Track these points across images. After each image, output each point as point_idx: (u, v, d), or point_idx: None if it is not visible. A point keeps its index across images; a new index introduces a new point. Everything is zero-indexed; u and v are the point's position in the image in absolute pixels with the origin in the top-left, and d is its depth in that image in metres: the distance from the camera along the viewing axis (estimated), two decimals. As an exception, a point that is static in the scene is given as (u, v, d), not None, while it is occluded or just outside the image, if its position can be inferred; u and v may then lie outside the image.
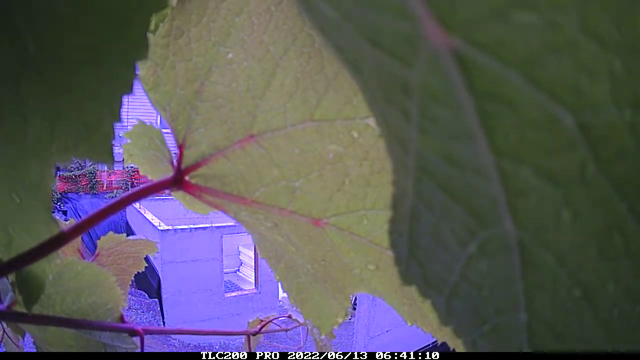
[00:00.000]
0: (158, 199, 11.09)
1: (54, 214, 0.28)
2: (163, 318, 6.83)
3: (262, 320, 0.60)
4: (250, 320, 0.63)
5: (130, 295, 7.31)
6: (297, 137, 0.31)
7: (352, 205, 0.31)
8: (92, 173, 13.55)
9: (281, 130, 0.32)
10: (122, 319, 0.41)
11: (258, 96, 0.32)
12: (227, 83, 0.33)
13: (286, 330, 0.61)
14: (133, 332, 0.41)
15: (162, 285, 6.98)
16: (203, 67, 0.34)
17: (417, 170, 0.14)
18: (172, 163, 0.35)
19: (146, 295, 7.79)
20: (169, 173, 0.35)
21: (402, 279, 0.16)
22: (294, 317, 0.59)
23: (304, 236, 0.33)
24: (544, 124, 0.10)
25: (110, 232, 0.57)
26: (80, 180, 13.27)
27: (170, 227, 6.74)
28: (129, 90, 0.21)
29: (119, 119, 0.21)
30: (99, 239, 0.58)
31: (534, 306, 0.14)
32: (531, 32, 0.09)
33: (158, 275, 7.17)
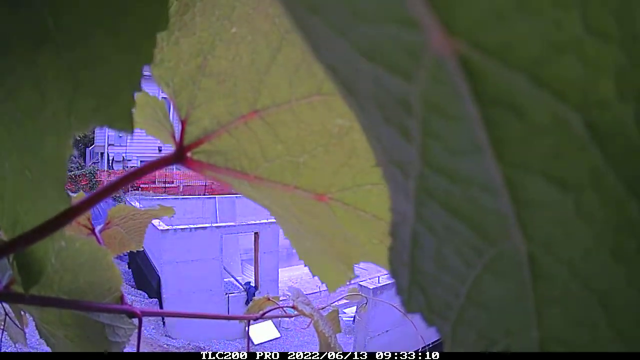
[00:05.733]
0: (157, 198, 11.10)
1: (66, 191, 0.27)
2: (163, 317, 6.83)
3: (268, 299, 0.60)
4: (256, 298, 0.62)
5: (130, 296, 7.33)
6: (303, 111, 0.31)
7: (358, 179, 0.31)
8: (92, 173, 13.61)
9: (286, 105, 0.31)
10: (121, 298, 0.41)
11: (263, 71, 0.32)
12: (231, 57, 0.33)
13: (290, 317, 0.61)
14: (131, 314, 0.41)
15: (162, 285, 6.98)
16: (207, 42, 0.33)
17: (419, 193, 0.13)
18: (174, 137, 0.35)
19: (146, 295, 7.79)
20: (170, 146, 0.34)
21: (405, 308, 0.16)
22: (299, 307, 0.59)
23: (307, 211, 0.32)
24: (552, 127, 0.10)
25: (121, 204, 0.57)
26: (80, 180, 13.32)
27: (170, 227, 6.74)
28: (150, 60, 0.21)
29: (139, 88, 0.22)
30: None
31: (546, 321, 0.13)
32: (536, 33, 0.09)
33: (158, 275, 7.18)
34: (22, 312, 0.55)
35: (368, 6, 0.11)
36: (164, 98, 0.37)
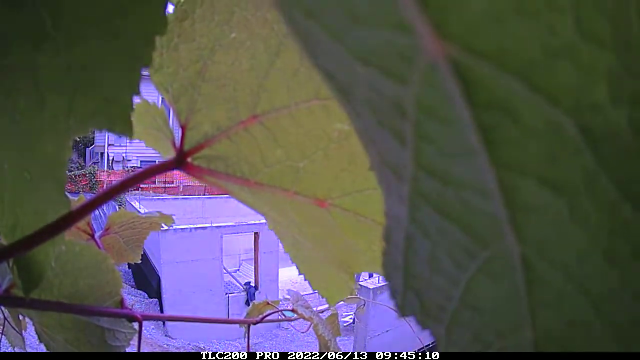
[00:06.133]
0: (157, 199, 11.10)
1: (66, 195, 0.27)
2: (162, 318, 6.83)
3: (268, 303, 0.60)
4: (256, 302, 0.62)
5: (130, 295, 7.31)
6: (302, 116, 0.31)
7: (358, 185, 0.31)
8: (92, 173, 13.60)
9: (285, 110, 0.31)
10: (122, 303, 0.41)
11: (262, 75, 0.32)
12: (230, 63, 0.33)
13: (290, 320, 0.61)
14: (132, 318, 0.41)
15: (162, 285, 6.98)
16: (206, 47, 0.33)
17: (412, 196, 0.13)
18: (174, 144, 0.35)
19: (146, 295, 7.79)
20: (171, 153, 0.34)
21: (399, 311, 0.16)
22: (299, 311, 0.59)
23: (307, 217, 0.32)
24: (546, 131, 0.10)
25: (122, 209, 0.57)
26: (80, 180, 13.30)
27: (170, 227, 6.72)
28: (148, 63, 0.21)
29: (138, 91, 0.22)
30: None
31: (541, 324, 0.13)
32: (530, 37, 0.09)
33: (158, 275, 7.17)
34: (21, 317, 0.55)
35: (363, 11, 0.11)
36: (164, 101, 0.37)
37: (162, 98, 0.36)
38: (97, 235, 0.55)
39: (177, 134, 0.35)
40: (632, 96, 0.09)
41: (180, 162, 0.34)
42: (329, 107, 0.30)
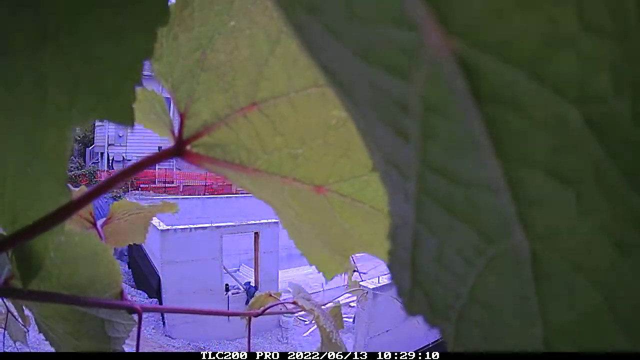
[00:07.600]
0: (157, 199, 11.10)
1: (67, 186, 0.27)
2: (163, 317, 6.83)
3: (270, 295, 0.60)
4: (258, 294, 0.62)
5: (130, 295, 7.33)
6: (301, 103, 0.31)
7: (355, 171, 0.31)
8: (92, 173, 13.62)
9: (284, 97, 0.31)
10: (121, 294, 0.41)
11: (261, 63, 0.32)
12: (229, 51, 0.33)
13: (291, 313, 0.60)
14: (131, 310, 0.41)
15: (162, 285, 6.97)
16: (205, 36, 0.33)
17: (419, 194, 0.13)
18: (173, 132, 0.35)
19: (146, 295, 7.79)
20: (170, 140, 0.34)
21: (407, 310, 0.16)
22: (300, 303, 0.59)
23: (305, 204, 0.32)
24: (552, 123, 0.10)
25: (124, 199, 0.56)
26: (80, 180, 13.32)
27: (170, 227, 6.73)
28: (150, 55, 0.21)
29: (140, 82, 0.22)
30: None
31: (551, 319, 0.13)
32: (534, 29, 0.09)
33: (158, 275, 7.17)
34: (26, 312, 0.55)
35: (365, 7, 0.11)
36: (167, 99, 0.37)
37: (162, 89, 0.36)
38: (99, 224, 0.55)
39: (177, 121, 0.35)
40: (634, 86, 0.09)
41: (179, 150, 0.34)
42: (327, 94, 0.30)
